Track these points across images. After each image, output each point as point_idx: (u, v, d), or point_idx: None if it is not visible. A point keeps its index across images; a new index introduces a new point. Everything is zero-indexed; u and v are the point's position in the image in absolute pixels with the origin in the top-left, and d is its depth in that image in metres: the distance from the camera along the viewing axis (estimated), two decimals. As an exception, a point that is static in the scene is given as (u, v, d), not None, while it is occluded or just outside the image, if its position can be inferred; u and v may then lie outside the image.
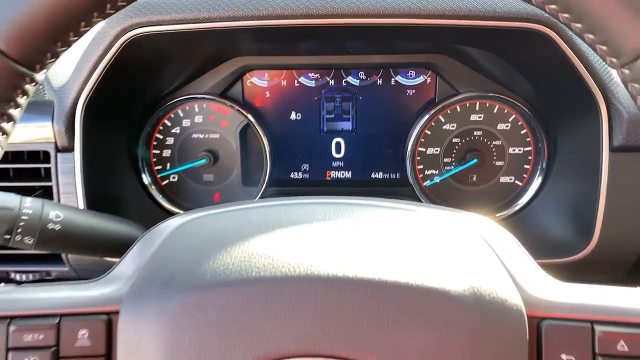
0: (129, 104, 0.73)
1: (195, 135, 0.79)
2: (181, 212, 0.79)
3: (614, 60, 0.33)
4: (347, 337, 0.34)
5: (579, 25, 0.33)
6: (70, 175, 0.65)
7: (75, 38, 0.34)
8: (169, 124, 0.79)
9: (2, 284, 0.40)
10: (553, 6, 0.33)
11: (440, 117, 0.76)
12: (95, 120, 0.66)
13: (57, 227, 0.52)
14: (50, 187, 0.66)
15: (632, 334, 0.35)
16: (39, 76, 0.35)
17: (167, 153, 0.80)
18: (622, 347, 0.35)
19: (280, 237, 0.39)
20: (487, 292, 0.35)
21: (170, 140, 0.79)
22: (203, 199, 0.81)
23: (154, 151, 0.80)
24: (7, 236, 0.50)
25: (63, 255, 0.67)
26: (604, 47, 0.33)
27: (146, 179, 0.79)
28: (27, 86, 0.35)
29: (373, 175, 0.81)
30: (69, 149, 0.65)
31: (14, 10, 0.32)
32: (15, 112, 0.36)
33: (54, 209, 0.52)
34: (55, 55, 0.35)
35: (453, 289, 0.35)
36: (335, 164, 0.81)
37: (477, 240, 0.39)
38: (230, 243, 0.39)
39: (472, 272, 0.36)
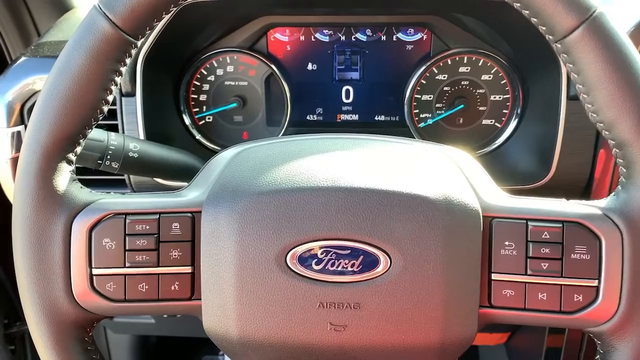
0: (174, 57, 0.88)
1: (227, 83, 0.94)
2: (216, 147, 0.95)
3: (550, 37, 0.49)
4: (359, 225, 0.51)
5: (526, 12, 0.48)
6: (132, 116, 0.80)
7: (166, 16, 0.50)
8: (205, 72, 0.93)
9: (114, 192, 0.57)
10: None
11: (434, 68, 0.91)
12: (150, 71, 0.81)
13: (136, 155, 0.68)
14: (116, 125, 0.81)
15: (552, 227, 0.52)
16: (139, 42, 0.50)
17: (203, 97, 0.95)
18: (545, 235, 0.52)
19: (312, 160, 0.55)
20: (455, 198, 0.52)
21: (206, 87, 0.94)
22: (234, 137, 0.96)
23: (193, 96, 0.94)
24: (99, 161, 0.66)
25: (127, 182, 0.84)
26: (544, 28, 0.48)
27: (187, 119, 0.94)
28: (132, 50, 0.50)
29: (376, 118, 0.96)
30: (131, 94, 0.80)
31: None
32: (122, 69, 0.51)
33: (132, 141, 0.68)
34: (151, 28, 0.50)
35: (431, 195, 0.51)
36: (344, 108, 0.96)
37: (450, 163, 0.55)
38: (277, 164, 0.55)
39: (444, 184, 0.52)
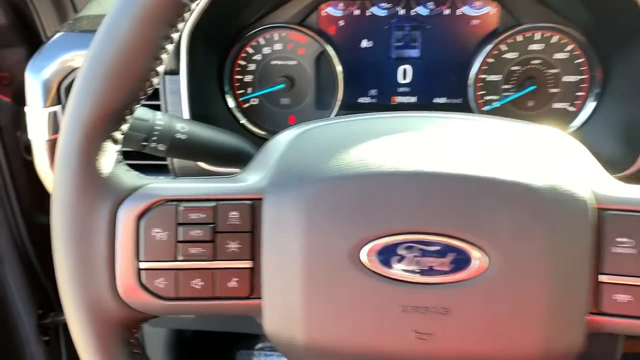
0: (220, 33, 0.81)
1: (274, 62, 0.87)
2: (261, 132, 0.89)
3: None
4: (450, 216, 0.43)
5: None
6: (176, 95, 0.74)
7: None
8: (251, 51, 0.86)
9: (163, 177, 0.50)
10: None
11: (502, 46, 0.83)
12: (195, 48, 0.75)
13: (184, 136, 0.61)
14: (158, 106, 0.75)
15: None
16: (193, 5, 0.44)
17: (248, 78, 0.88)
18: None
19: (389, 140, 0.48)
20: (562, 186, 0.44)
21: (252, 67, 0.87)
22: (280, 121, 0.90)
23: (237, 76, 0.88)
24: (144, 143, 0.60)
25: (170, 167, 0.78)
26: None
27: (230, 102, 0.88)
28: (186, 14, 0.44)
29: (436, 100, 0.88)
30: (175, 72, 0.74)
31: None
32: (174, 36, 0.45)
33: (179, 121, 0.62)
34: None
35: (535, 182, 0.44)
36: (400, 89, 0.88)
37: (554, 145, 0.48)
38: (348, 145, 0.48)
39: (549, 170, 0.45)
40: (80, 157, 0.45)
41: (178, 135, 0.61)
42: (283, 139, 0.50)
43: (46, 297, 1.22)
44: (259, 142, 0.63)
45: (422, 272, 0.44)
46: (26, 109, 0.78)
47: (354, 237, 0.44)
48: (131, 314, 0.47)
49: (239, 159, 0.67)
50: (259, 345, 1.39)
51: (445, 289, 0.43)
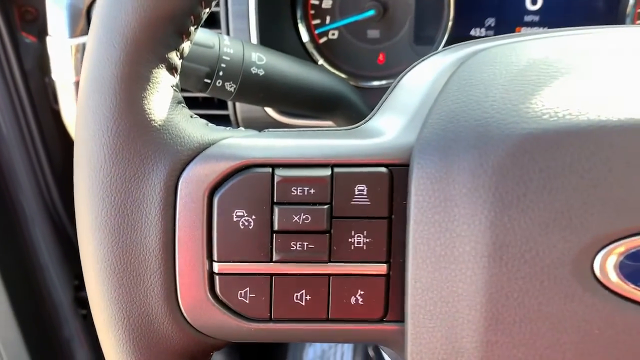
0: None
1: (361, -18, 0.67)
2: (343, 75, 0.69)
3: None
4: None
5: None
6: (242, 20, 0.55)
7: None
8: (332, -34, 0.67)
9: (241, 128, 0.32)
10: None
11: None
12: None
13: (261, 72, 0.43)
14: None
15: None
16: None
17: (327, 4, 0.68)
18: None
19: (622, 72, 0.28)
20: None
21: (332, -12, 0.67)
22: (366, 60, 0.70)
23: (313, 2, 0.68)
24: (208, 80, 0.42)
25: (232, 118, 0.60)
26: None
27: (304, 35, 0.69)
28: None
29: (574, 33, 0.67)
30: (241, -12, 0.55)
31: None
32: None
33: (255, 50, 0.43)
34: None
35: None
36: (528, 17, 0.67)
37: None
38: (554, 77, 0.29)
39: None
40: (117, 91, 0.27)
41: (254, 70, 0.43)
42: (438, 67, 0.32)
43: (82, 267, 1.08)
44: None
45: None
46: (48, 40, 0.61)
47: (582, 234, 0.26)
48: (198, 340, 0.31)
49: (334, 108, 0.48)
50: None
51: None
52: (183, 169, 0.29)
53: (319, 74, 0.48)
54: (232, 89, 0.43)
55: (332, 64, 0.70)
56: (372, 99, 0.64)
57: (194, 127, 0.30)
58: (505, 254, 0.27)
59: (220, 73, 0.42)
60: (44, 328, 1.02)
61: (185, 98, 0.45)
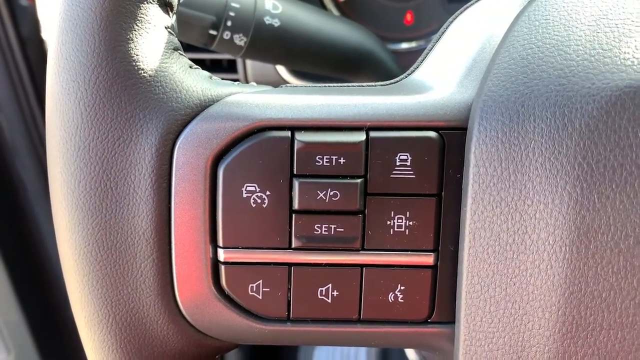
0: None
1: None
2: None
3: None
4: None
5: None
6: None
7: None
8: None
9: (253, 83, 0.26)
10: None
11: None
12: None
13: (276, 22, 0.37)
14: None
15: None
16: None
17: (349, -44, 0.61)
18: None
19: None
20: None
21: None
22: (392, 20, 0.63)
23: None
24: (213, 32, 0.36)
25: (240, 72, 0.53)
26: None
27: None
28: None
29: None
30: None
31: None
32: None
33: (268, -3, 0.37)
34: None
35: None
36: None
37: None
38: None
39: None
40: (95, 32, 0.22)
41: (268, 20, 0.36)
42: (498, 8, 0.25)
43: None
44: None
45: None
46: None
47: None
48: (200, 342, 0.25)
49: (362, 67, 0.42)
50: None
51: None
52: (180, 132, 0.23)
53: (344, 26, 0.41)
54: (242, 43, 0.36)
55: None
56: (402, 64, 0.57)
57: (194, 80, 0.24)
58: (593, 242, 0.20)
59: (229, 23, 0.35)
60: (47, 309, 0.99)
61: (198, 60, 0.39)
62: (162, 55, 0.23)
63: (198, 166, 0.23)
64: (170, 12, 0.24)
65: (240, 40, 0.36)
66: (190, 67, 0.25)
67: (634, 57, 0.21)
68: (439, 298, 0.24)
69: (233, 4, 0.35)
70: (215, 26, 0.35)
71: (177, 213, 0.23)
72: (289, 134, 0.23)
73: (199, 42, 0.36)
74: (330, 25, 0.40)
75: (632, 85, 0.20)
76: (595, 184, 0.20)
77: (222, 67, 0.58)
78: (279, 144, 0.23)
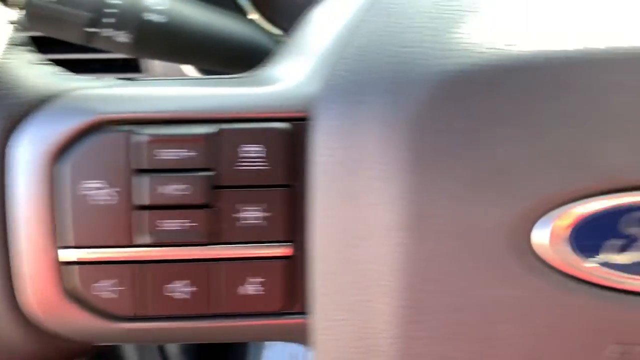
0: None
1: None
2: (278, 32, 0.62)
3: None
4: None
5: None
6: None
7: None
8: None
9: (115, 78, 0.26)
10: None
11: None
12: None
13: (162, 19, 0.36)
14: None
15: None
16: None
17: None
18: None
19: None
20: None
21: None
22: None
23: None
24: (91, 29, 0.35)
25: (150, 72, 0.52)
26: None
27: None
28: None
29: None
30: None
31: None
32: None
33: (153, -9, 0.36)
34: None
35: None
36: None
37: None
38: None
39: None
40: None
41: (150, 17, 0.36)
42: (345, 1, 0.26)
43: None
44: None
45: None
46: None
47: (523, 196, 0.20)
48: (56, 346, 0.24)
49: (252, 61, 0.41)
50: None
51: None
52: (13, 128, 0.22)
53: (234, 23, 0.41)
54: (127, 39, 0.35)
55: (268, 19, 0.63)
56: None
57: (36, 75, 0.23)
58: (425, 227, 0.21)
59: (109, 20, 0.34)
60: None
61: (96, 60, 0.38)
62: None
63: (35, 163, 0.22)
64: (16, 5, 0.24)
65: (124, 37, 0.35)
66: (36, 62, 0.24)
67: (468, 43, 0.21)
68: (298, 289, 0.24)
69: (111, 1, 0.34)
70: (94, 22, 0.34)
71: (16, 216, 0.22)
72: (128, 128, 0.22)
73: (79, 40, 0.35)
74: (220, 22, 0.40)
75: (463, 70, 0.21)
76: (426, 170, 0.21)
77: (130, 67, 0.57)
78: (119, 139, 0.22)
